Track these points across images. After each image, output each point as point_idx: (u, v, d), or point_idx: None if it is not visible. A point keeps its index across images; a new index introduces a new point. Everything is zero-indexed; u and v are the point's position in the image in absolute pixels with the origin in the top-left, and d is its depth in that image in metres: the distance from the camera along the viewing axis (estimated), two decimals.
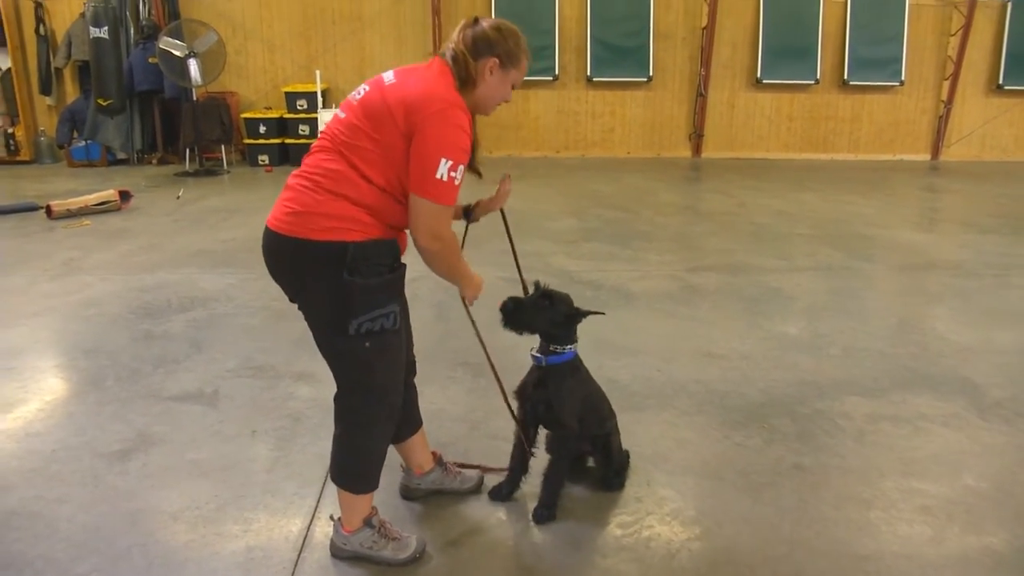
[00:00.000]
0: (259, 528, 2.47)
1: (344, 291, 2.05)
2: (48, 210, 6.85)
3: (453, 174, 2.00)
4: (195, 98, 9.20)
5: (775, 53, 10.23)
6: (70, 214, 6.85)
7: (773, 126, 10.61)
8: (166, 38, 8.87)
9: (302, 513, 2.55)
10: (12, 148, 10.23)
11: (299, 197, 2.08)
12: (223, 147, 9.43)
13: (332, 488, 2.65)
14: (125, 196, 7.24)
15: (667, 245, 5.97)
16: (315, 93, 9.39)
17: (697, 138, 10.46)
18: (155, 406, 3.29)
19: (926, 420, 3.24)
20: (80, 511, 2.53)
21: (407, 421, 2.54)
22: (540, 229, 6.28)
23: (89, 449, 2.93)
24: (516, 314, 2.46)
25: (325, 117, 9.36)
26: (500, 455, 2.87)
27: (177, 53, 8.88)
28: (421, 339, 3.93)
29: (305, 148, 9.16)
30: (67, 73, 10.21)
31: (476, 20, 2.18)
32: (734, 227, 6.62)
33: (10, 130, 10.17)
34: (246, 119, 9.64)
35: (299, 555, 2.35)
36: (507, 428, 3.05)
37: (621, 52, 10.10)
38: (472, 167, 2.17)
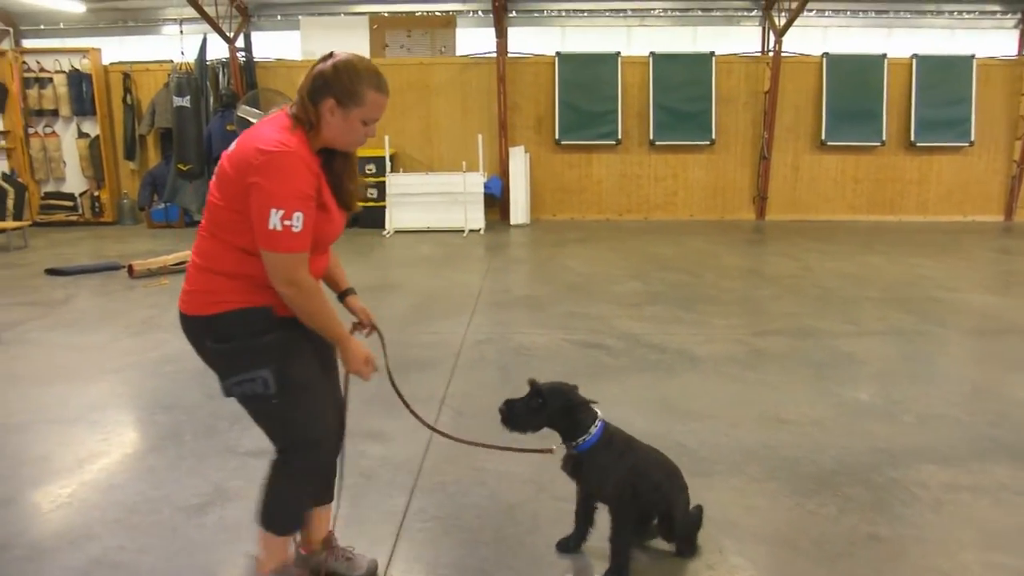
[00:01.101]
0: None
1: (209, 357, 2.19)
2: (130, 269, 7.19)
3: (287, 222, 2.01)
4: None
5: (839, 115, 10.23)
6: (150, 273, 7.18)
7: (838, 187, 10.54)
8: (244, 106, 9.34)
9: None
10: (97, 210, 10.80)
11: (189, 277, 2.20)
12: None
13: (403, 548, 2.71)
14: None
15: (732, 308, 5.95)
16: (383, 158, 9.72)
17: (761, 200, 10.45)
18: (231, 461, 3.40)
19: (1008, 491, 3.13)
20: (161, 561, 2.62)
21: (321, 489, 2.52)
22: (604, 292, 6.33)
23: (168, 502, 3.04)
24: (513, 418, 2.48)
25: (394, 180, 9.67)
26: (568, 516, 2.88)
27: (253, 120, 9.32)
28: (487, 401, 4.02)
29: (374, 211, 9.49)
30: (150, 140, 10.79)
31: (327, 57, 2.15)
32: (800, 290, 6.56)
33: (96, 193, 10.76)
34: None
35: None
36: (571, 491, 3.07)
37: (683, 116, 10.23)
38: (342, 203, 2.25)
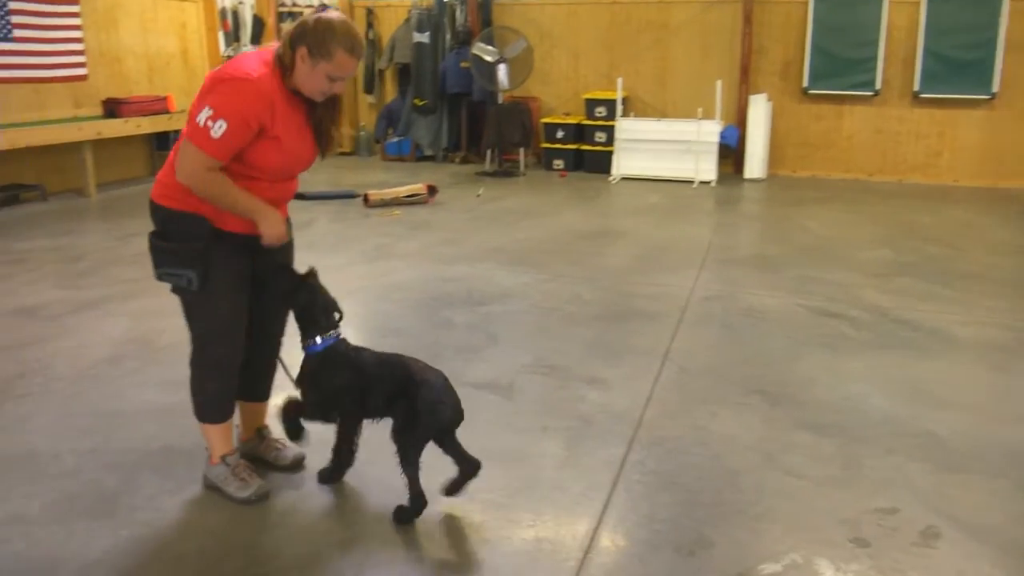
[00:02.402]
0: (547, 521, 2.61)
1: (150, 246, 2.57)
2: (366, 198, 7.72)
3: (210, 123, 2.32)
4: (500, 102, 9.85)
5: None
6: (383, 203, 7.67)
7: None
8: (479, 44, 9.61)
9: (589, 514, 2.65)
10: (336, 140, 11.67)
11: (164, 167, 2.55)
12: (522, 150, 10.01)
13: (620, 497, 2.74)
14: (432, 191, 7.95)
15: (1000, 289, 5.37)
16: (615, 101, 9.65)
17: None
18: (456, 389, 3.57)
19: None
20: (387, 474, 2.82)
21: (248, 387, 2.85)
22: (846, 258, 5.95)
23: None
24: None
25: (623, 125, 9.59)
26: (797, 492, 2.78)
27: (488, 58, 9.58)
28: (712, 360, 3.95)
29: (601, 155, 9.53)
30: (388, 74, 11.42)
31: (318, 8, 2.47)
32: None
33: None
34: (545, 124, 10.14)
35: (585, 555, 2.45)
36: (807, 465, 2.96)
37: (958, 65, 9.23)
38: (319, 143, 2.58)
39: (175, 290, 2.60)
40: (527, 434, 3.19)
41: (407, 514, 2.59)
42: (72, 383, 3.66)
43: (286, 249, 2.77)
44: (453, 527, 2.58)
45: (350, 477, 2.82)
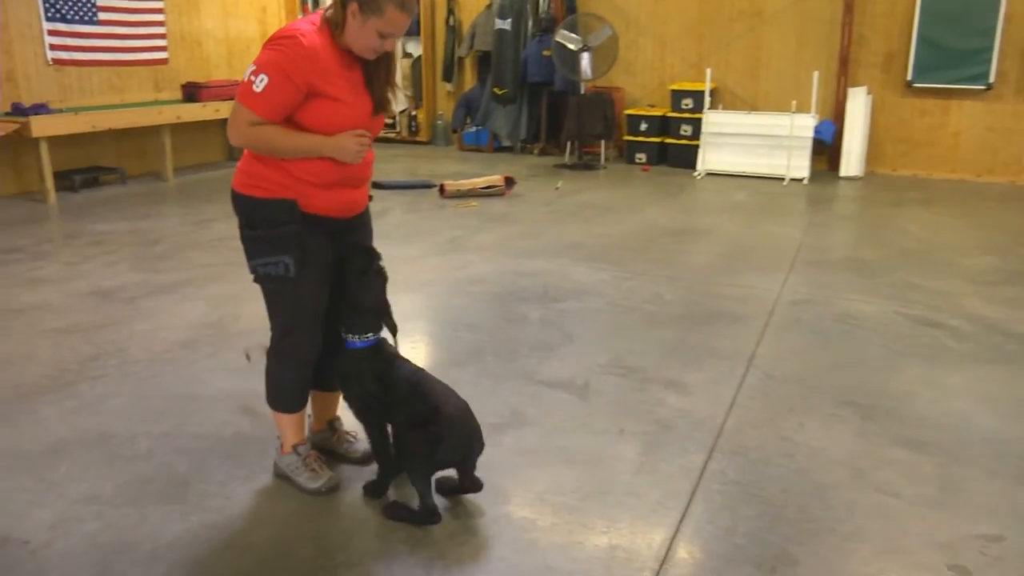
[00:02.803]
0: (622, 528, 2.59)
1: (242, 238, 2.61)
2: (441, 189, 7.80)
3: (253, 78, 2.38)
4: (582, 92, 9.81)
5: None
6: (460, 194, 7.73)
7: None
8: (562, 31, 9.59)
9: (665, 524, 2.62)
10: (413, 129, 11.80)
11: (244, 154, 2.62)
12: (603, 142, 9.96)
13: (698, 507, 2.71)
14: (509, 183, 7.98)
15: None
16: (702, 92, 9.52)
17: None
18: (528, 387, 3.60)
19: None
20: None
21: (323, 377, 2.87)
22: (949, 264, 5.73)
23: None
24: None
25: (711, 118, 9.45)
26: (890, 511, 2.70)
27: (571, 47, 9.55)
28: (802, 368, 3.87)
29: (686, 149, 9.43)
30: (467, 62, 11.49)
31: None
32: None
33: (413, 112, 11.73)
34: (628, 115, 10.06)
35: (660, 567, 2.42)
36: (902, 484, 2.87)
37: None
38: (376, 104, 2.58)
39: (262, 280, 2.63)
40: (602, 436, 3.18)
41: (407, 518, 2.61)
42: (147, 366, 3.80)
43: (367, 234, 2.84)
44: (523, 528, 2.58)
45: None
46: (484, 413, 3.28)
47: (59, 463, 2.94)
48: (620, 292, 4.98)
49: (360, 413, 2.69)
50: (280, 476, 2.86)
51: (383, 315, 2.68)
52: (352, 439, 3.04)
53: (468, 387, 3.56)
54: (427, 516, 2.59)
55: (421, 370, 2.70)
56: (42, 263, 5.47)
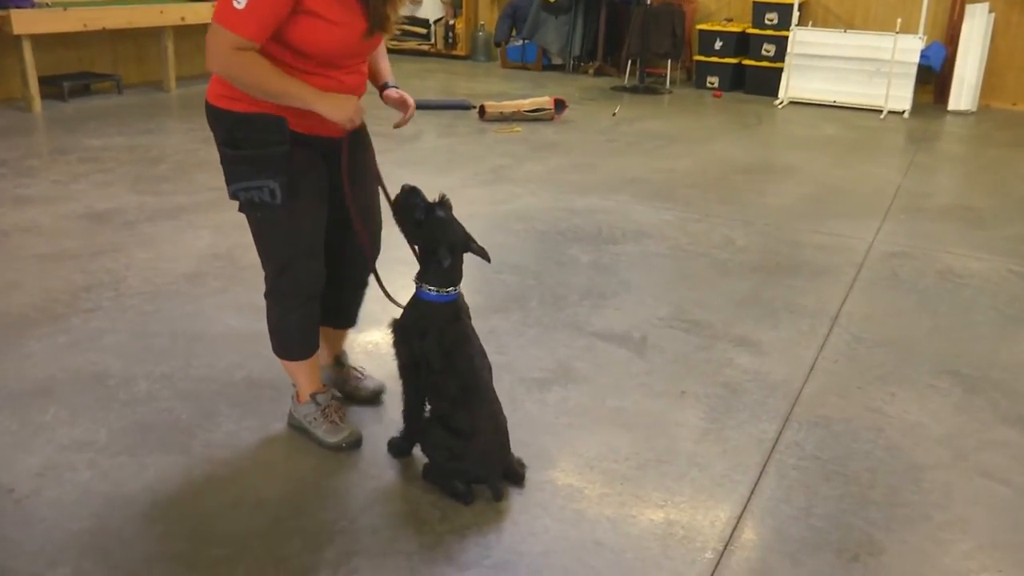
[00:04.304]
0: (682, 503, 2.59)
1: (221, 158, 2.57)
2: (482, 111, 7.74)
3: None
4: (648, 2, 9.62)
5: None
6: (503, 117, 7.68)
7: None
8: None
9: (732, 500, 2.62)
10: (450, 41, 11.68)
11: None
12: (670, 62, 9.79)
13: (769, 483, 2.71)
14: (559, 106, 7.90)
15: None
16: (790, 6, 9.28)
17: None
18: (578, 339, 3.60)
19: None
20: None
21: (330, 312, 2.90)
22: None
23: (509, 369, 3.30)
24: (399, 208, 2.61)
25: (799, 37, 9.23)
26: (997, 500, 2.67)
27: None
28: (896, 331, 3.81)
29: (767, 72, 9.30)
30: None
31: None
32: None
33: (451, 22, 11.61)
34: (701, 31, 9.87)
35: (725, 548, 2.42)
36: (1012, 469, 2.83)
37: None
38: (372, 22, 2.47)
39: (246, 208, 2.60)
40: (662, 399, 3.17)
41: (444, 488, 2.62)
42: (147, 299, 3.85)
43: (369, 156, 2.79)
44: (569, 497, 2.59)
45: None
46: (527, 367, 3.33)
47: (48, 405, 3.00)
48: (686, 236, 4.93)
49: (404, 369, 2.67)
50: (295, 427, 2.90)
51: (467, 252, 2.59)
52: (360, 375, 3.10)
53: (510, 336, 3.58)
54: (457, 497, 2.59)
55: (483, 368, 2.63)
56: (28, 180, 5.54)
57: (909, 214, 5.52)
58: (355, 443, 2.81)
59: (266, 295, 2.75)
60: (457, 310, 2.60)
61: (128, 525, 2.41)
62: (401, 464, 2.73)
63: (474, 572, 2.28)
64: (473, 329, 2.65)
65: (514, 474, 2.66)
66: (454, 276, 2.58)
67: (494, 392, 2.65)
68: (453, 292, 2.58)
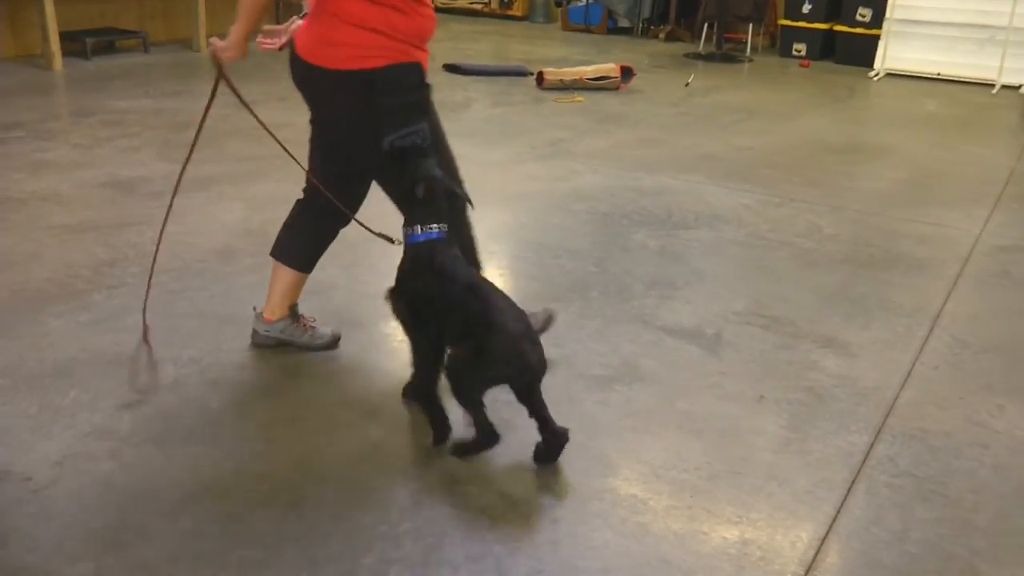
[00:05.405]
0: (758, 520, 2.58)
1: (365, 113, 2.83)
2: (539, 78, 7.74)
3: None
4: None
5: None
6: (563, 86, 7.67)
7: None
8: None
9: (815, 519, 2.60)
10: (506, 1, 11.67)
11: (323, 31, 2.82)
12: (751, 27, 9.69)
13: (858, 501, 2.68)
14: (626, 74, 7.87)
15: None
16: None
17: None
18: (644, 334, 3.59)
19: None
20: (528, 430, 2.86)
21: None
22: None
23: (567, 365, 3.31)
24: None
25: (900, 0, 9.08)
26: None
27: None
28: (1005, 334, 3.78)
29: (861, 40, 9.20)
30: None
31: None
32: None
33: None
34: None
35: (807, 572, 2.40)
36: None
37: None
38: None
39: (323, 124, 3.02)
40: (737, 403, 3.16)
41: (469, 449, 2.77)
42: (175, 277, 3.91)
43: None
44: (633, 509, 2.59)
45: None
46: (587, 363, 3.34)
47: (68, 388, 3.06)
48: (766, 221, 4.90)
49: (405, 321, 2.84)
50: (271, 345, 3.32)
51: (449, 190, 2.83)
52: (314, 324, 3.38)
53: (568, 328, 3.58)
54: (485, 438, 2.71)
55: (483, 278, 2.87)
56: (48, 144, 5.66)
57: (1023, 201, 5.43)
58: (336, 340, 3.37)
59: (304, 206, 3.21)
60: (445, 241, 2.79)
61: (152, 521, 2.45)
62: (446, 465, 2.75)
63: None
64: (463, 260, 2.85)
65: (552, 435, 2.73)
66: (435, 211, 2.78)
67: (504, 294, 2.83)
68: (436, 229, 2.78)
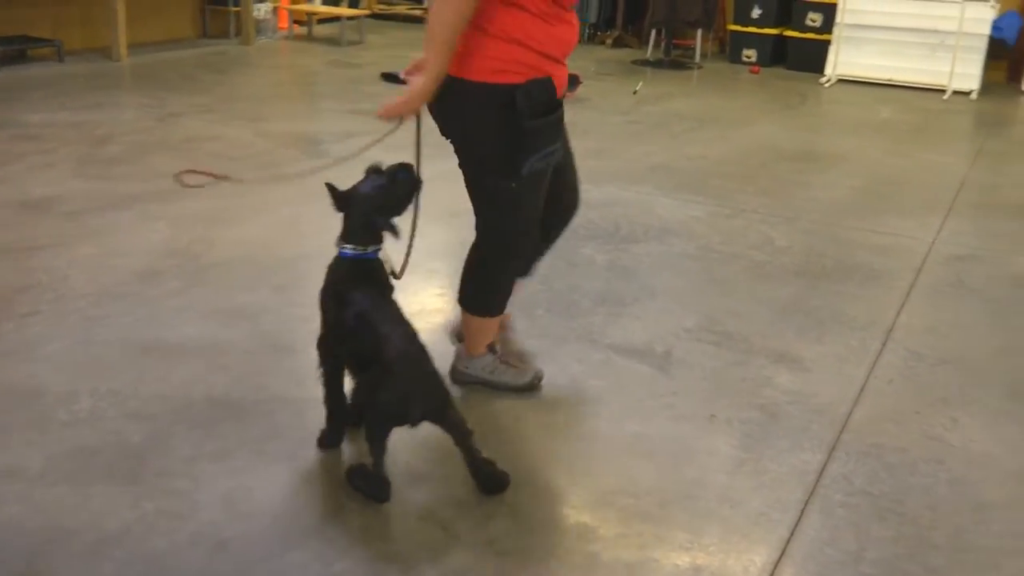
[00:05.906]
0: (711, 545, 2.59)
1: (506, 133, 2.77)
2: None
3: None
4: None
5: None
6: None
7: None
8: None
9: (769, 542, 2.61)
10: None
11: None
12: (700, 32, 9.80)
13: (813, 522, 2.71)
14: (572, 81, 7.87)
15: None
16: None
17: None
18: (593, 353, 3.60)
19: None
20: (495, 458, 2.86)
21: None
22: None
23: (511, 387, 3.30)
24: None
25: (851, 4, 9.25)
26: None
27: None
28: (961, 346, 3.82)
29: (812, 46, 9.33)
30: None
31: None
32: None
33: None
34: None
35: None
36: None
37: None
38: None
39: (535, 176, 2.87)
40: (688, 423, 3.17)
41: (359, 486, 2.72)
42: (94, 303, 3.85)
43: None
44: (581, 537, 2.58)
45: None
46: None
47: None
48: (718, 233, 4.95)
49: (324, 342, 2.86)
50: (467, 383, 3.27)
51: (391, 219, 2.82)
52: (517, 363, 3.36)
53: None
54: (374, 488, 2.67)
55: (380, 297, 2.80)
56: None
57: (977, 210, 5.53)
58: (540, 379, 3.30)
59: (485, 261, 3.11)
60: (373, 267, 2.80)
61: (68, 565, 2.40)
62: (373, 489, 2.72)
63: None
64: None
65: (486, 474, 2.72)
66: (376, 236, 2.79)
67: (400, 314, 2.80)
68: (372, 251, 2.78)
